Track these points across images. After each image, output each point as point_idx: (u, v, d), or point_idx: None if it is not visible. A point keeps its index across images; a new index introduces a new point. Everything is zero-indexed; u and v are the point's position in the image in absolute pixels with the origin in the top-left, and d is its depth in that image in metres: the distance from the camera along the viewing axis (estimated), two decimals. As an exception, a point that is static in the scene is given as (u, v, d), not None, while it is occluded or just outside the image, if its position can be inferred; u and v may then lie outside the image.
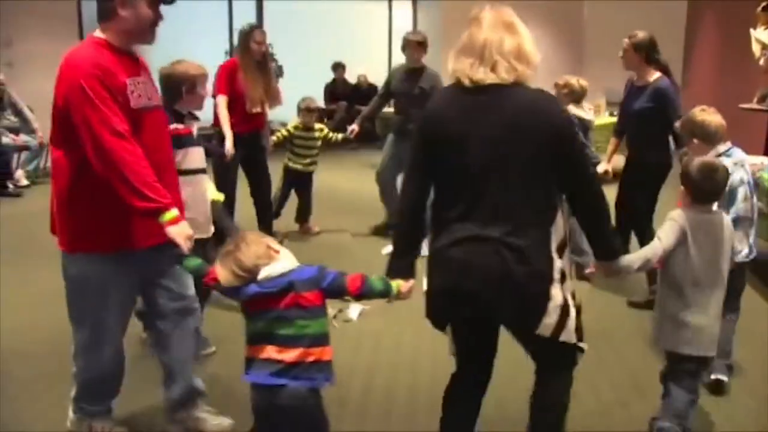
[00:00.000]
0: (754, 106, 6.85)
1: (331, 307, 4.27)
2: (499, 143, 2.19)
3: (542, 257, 2.24)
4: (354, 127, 6.25)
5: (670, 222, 2.74)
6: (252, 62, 5.38)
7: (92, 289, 2.65)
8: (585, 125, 5.07)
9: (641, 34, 4.55)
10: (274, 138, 6.04)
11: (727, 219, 2.87)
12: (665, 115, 4.41)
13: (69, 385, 2.94)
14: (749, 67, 7.22)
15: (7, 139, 8.17)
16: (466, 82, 2.24)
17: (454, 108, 2.27)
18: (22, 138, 8.43)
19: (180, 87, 3.42)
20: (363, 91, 11.28)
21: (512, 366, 2.72)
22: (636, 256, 2.71)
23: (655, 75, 4.55)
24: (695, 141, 3.31)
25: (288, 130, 6.11)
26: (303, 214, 6.35)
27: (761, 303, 4.66)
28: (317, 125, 6.23)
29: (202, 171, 3.55)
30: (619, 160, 5.00)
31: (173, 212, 2.45)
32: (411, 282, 2.44)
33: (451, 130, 2.25)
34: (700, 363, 2.79)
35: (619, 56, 4.68)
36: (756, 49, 6.53)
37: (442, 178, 2.33)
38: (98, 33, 2.54)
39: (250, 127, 5.40)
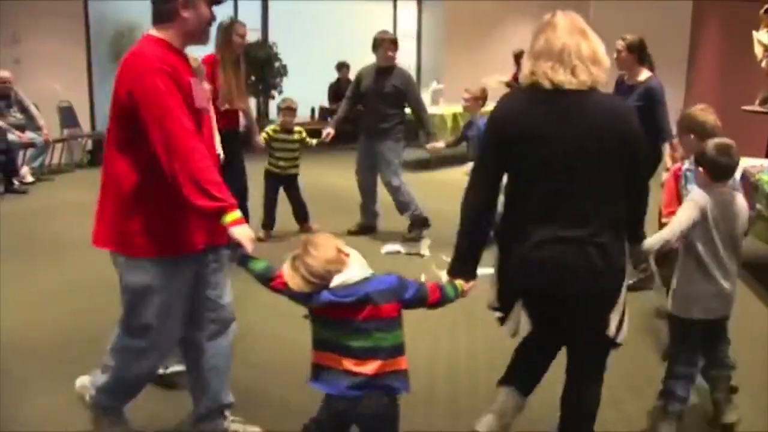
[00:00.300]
0: (756, 108, 6.86)
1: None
2: (580, 146, 2.24)
3: (621, 255, 2.36)
4: (329, 131, 6.20)
5: (690, 203, 2.90)
6: (232, 57, 5.24)
7: (156, 295, 2.53)
8: None
9: (633, 36, 4.83)
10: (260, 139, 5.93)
11: (739, 195, 3.04)
12: (655, 111, 4.60)
13: (68, 377, 2.97)
14: (753, 69, 7.22)
15: (13, 136, 8.22)
16: (547, 84, 2.27)
17: (535, 110, 2.29)
18: (28, 135, 8.49)
19: None
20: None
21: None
22: (656, 238, 2.80)
23: (645, 74, 4.80)
24: (691, 136, 3.38)
25: (268, 132, 5.98)
26: (299, 215, 6.26)
27: (761, 307, 4.66)
28: (296, 128, 6.10)
29: None
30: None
31: (237, 213, 2.37)
32: (472, 283, 2.45)
33: (533, 131, 2.27)
34: (713, 326, 3.03)
35: (614, 57, 4.74)
36: (758, 51, 6.54)
37: (521, 180, 2.35)
38: (155, 33, 2.49)
39: (220, 126, 4.90)
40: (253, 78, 10.14)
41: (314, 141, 6.16)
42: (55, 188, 8.44)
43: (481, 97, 6.06)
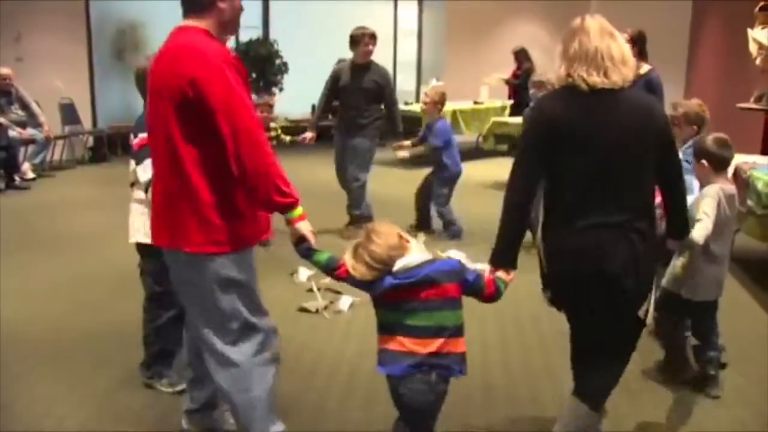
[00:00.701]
0: (751, 105, 6.88)
1: (322, 298, 4.39)
2: (618, 141, 2.43)
3: (654, 239, 2.56)
4: (307, 135, 6.14)
5: (709, 198, 3.10)
6: None
7: (245, 287, 2.52)
8: None
9: (634, 29, 4.89)
10: None
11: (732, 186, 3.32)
12: None
13: (66, 372, 3.01)
14: (751, 68, 7.24)
15: (14, 132, 8.28)
16: (584, 86, 2.43)
17: (576, 108, 2.45)
18: (29, 132, 8.55)
19: None
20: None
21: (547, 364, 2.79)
22: (701, 232, 2.96)
23: (645, 67, 4.96)
24: (694, 128, 3.74)
25: None
26: None
27: (751, 301, 4.69)
28: (272, 124, 6.02)
29: None
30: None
31: (301, 208, 2.42)
32: (513, 274, 2.54)
33: (576, 127, 2.43)
34: (712, 306, 3.34)
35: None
36: (753, 48, 6.57)
37: (564, 174, 2.48)
38: (193, 23, 2.40)
39: None
40: (254, 75, 10.19)
41: (288, 138, 6.06)
42: (57, 185, 8.50)
43: (440, 101, 6.10)
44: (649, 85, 4.86)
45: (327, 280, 4.63)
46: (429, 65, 12.71)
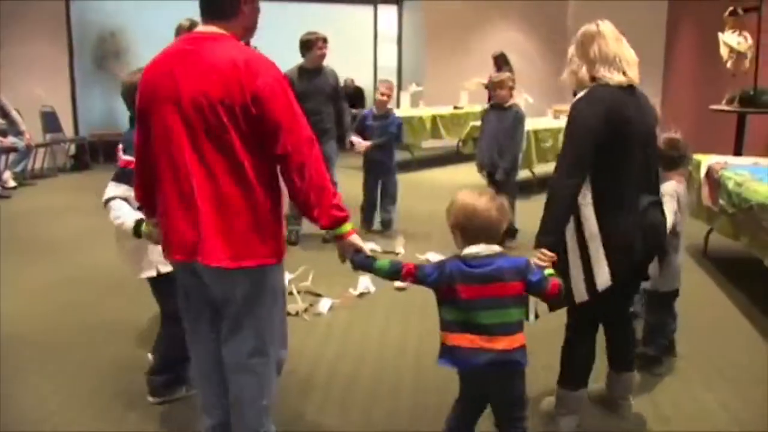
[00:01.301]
0: (723, 107, 7.02)
1: (302, 301, 4.45)
2: (648, 129, 2.82)
3: None
4: None
5: (669, 197, 3.32)
6: None
7: (281, 298, 2.60)
8: None
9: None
10: None
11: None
12: None
13: (55, 371, 3.03)
14: (724, 70, 7.38)
15: (-5, 141, 8.28)
16: (613, 83, 2.70)
17: (622, 101, 2.70)
18: (10, 140, 8.54)
19: None
20: (350, 94, 11.42)
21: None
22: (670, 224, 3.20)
23: None
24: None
25: None
26: None
27: (724, 299, 4.79)
28: None
29: None
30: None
31: (352, 222, 2.46)
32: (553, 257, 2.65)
33: (625, 118, 2.69)
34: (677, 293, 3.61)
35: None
36: (724, 52, 6.71)
37: (622, 162, 2.72)
38: (218, 30, 2.30)
39: None
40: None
41: None
42: (38, 193, 8.49)
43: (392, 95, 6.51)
44: None
45: (307, 283, 4.72)
46: (409, 70, 12.80)
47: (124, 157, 3.01)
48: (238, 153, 2.25)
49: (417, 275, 2.46)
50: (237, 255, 2.30)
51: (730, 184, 4.76)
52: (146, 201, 2.58)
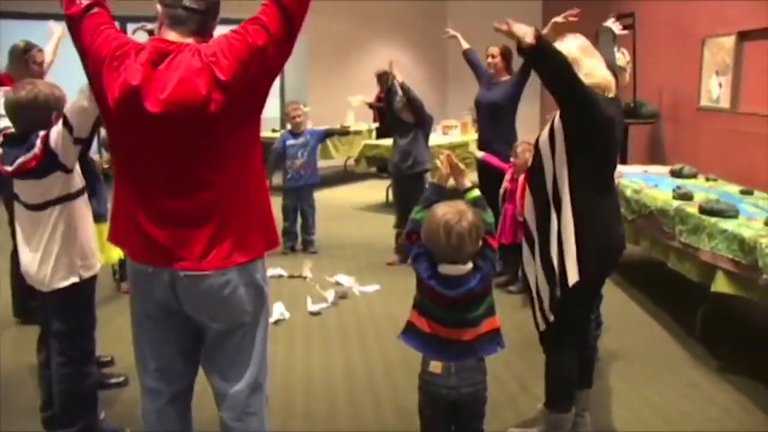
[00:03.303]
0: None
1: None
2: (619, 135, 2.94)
3: None
4: None
5: None
6: None
7: None
8: None
9: (502, 46, 5.58)
10: None
11: None
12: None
13: None
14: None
15: None
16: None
17: (612, 109, 2.78)
18: None
19: (50, 114, 2.76)
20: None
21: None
22: None
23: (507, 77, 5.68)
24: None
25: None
26: None
27: (631, 304, 4.98)
28: None
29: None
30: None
31: None
32: None
33: (614, 123, 2.78)
34: None
35: (487, 62, 5.63)
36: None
37: (600, 161, 2.78)
38: (196, 43, 2.10)
39: None
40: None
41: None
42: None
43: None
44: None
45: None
46: (293, 91, 12.66)
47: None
48: (230, 156, 2.11)
49: (412, 237, 2.50)
50: (241, 251, 2.14)
51: (628, 192, 4.95)
52: None
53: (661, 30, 7.27)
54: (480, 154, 5.55)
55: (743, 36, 5.82)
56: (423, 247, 2.44)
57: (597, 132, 2.71)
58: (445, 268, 2.39)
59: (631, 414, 3.35)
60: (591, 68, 2.73)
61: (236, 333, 2.22)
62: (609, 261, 2.86)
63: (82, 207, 2.92)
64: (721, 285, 3.67)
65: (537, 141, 2.91)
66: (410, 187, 5.85)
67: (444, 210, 2.37)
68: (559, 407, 2.91)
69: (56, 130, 2.68)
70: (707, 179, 5.30)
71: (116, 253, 3.53)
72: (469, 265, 2.40)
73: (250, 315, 2.22)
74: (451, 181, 2.62)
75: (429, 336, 2.44)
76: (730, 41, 5.99)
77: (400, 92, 5.87)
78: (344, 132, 6.27)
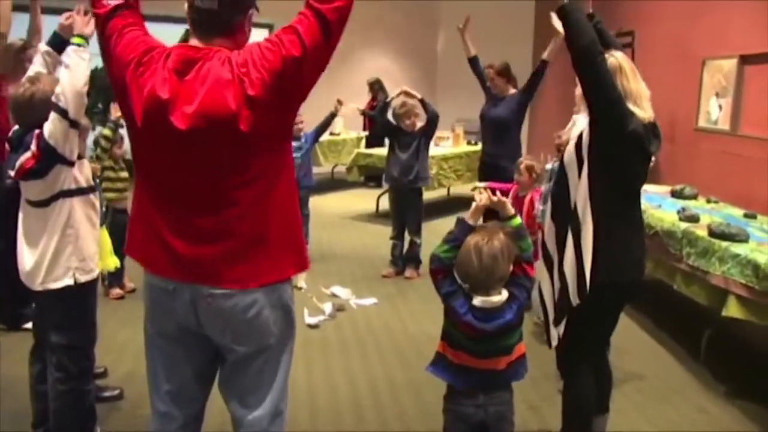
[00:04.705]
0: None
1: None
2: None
3: None
4: None
5: None
6: None
7: None
8: None
9: (500, 64, 5.78)
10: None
11: None
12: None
13: None
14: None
15: None
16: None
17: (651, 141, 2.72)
18: None
19: (49, 113, 2.63)
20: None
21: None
22: None
23: (513, 91, 5.74)
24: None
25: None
26: None
27: (626, 319, 4.94)
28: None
29: None
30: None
31: None
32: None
33: (647, 160, 2.77)
34: None
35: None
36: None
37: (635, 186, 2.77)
38: (223, 46, 1.98)
39: None
40: (100, 106, 9.50)
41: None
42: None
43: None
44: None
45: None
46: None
47: None
48: (260, 170, 1.98)
49: (438, 276, 2.41)
50: (282, 264, 2.05)
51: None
52: None
53: (661, 49, 7.28)
54: (483, 184, 5.44)
55: (745, 59, 5.83)
56: (455, 283, 2.38)
57: (623, 143, 2.62)
58: (480, 301, 2.32)
59: None
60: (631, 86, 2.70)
61: (260, 357, 2.10)
62: (622, 284, 2.77)
63: (87, 207, 2.82)
64: (733, 310, 3.64)
65: (561, 159, 2.86)
66: (410, 200, 5.83)
67: (474, 238, 2.35)
68: None
69: (49, 119, 2.59)
70: (708, 201, 5.30)
71: (113, 261, 3.40)
72: (504, 295, 2.34)
73: (275, 338, 2.10)
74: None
75: (460, 367, 2.39)
76: (730, 64, 6.00)
77: (395, 104, 5.88)
78: (332, 116, 6.14)
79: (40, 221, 2.73)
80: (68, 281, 2.73)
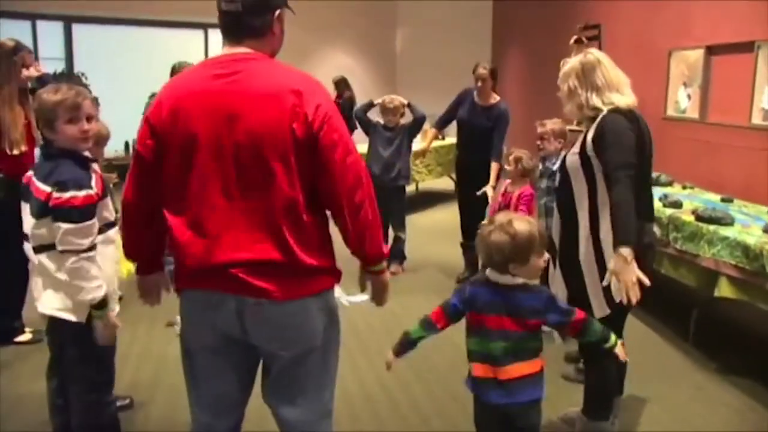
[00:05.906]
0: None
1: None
2: (650, 154, 2.92)
3: None
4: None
5: None
6: (16, 91, 4.11)
7: None
8: None
9: (492, 66, 5.57)
10: None
11: None
12: (502, 132, 5.62)
13: None
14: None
15: None
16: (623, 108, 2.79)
17: (642, 129, 2.83)
18: None
19: (54, 119, 2.60)
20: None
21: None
22: None
23: (496, 97, 5.64)
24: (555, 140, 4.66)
25: None
26: None
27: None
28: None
29: None
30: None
31: None
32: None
33: (645, 146, 2.83)
34: None
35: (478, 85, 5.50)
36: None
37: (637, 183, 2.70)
38: (249, 51, 2.05)
39: (5, 171, 3.97)
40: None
41: (114, 175, 4.69)
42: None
43: None
44: (500, 113, 5.46)
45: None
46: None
47: (84, 193, 2.50)
48: (302, 183, 2.02)
49: (448, 315, 2.39)
50: (318, 280, 2.09)
51: (614, 200, 5.06)
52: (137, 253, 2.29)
53: (627, 42, 7.49)
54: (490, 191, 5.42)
55: (711, 50, 6.05)
56: (449, 316, 2.45)
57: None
58: (493, 275, 2.37)
59: (648, 418, 3.44)
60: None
61: (308, 359, 2.12)
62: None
63: (103, 246, 2.64)
64: (725, 290, 3.81)
65: (564, 162, 2.96)
66: (391, 199, 5.78)
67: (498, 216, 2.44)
68: (600, 415, 2.95)
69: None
70: (684, 187, 5.49)
71: (125, 267, 3.36)
72: (518, 280, 2.35)
73: (322, 339, 2.13)
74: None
75: (490, 380, 2.39)
76: (697, 54, 6.22)
77: (384, 98, 5.99)
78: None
79: (53, 263, 2.57)
80: (67, 315, 2.59)
